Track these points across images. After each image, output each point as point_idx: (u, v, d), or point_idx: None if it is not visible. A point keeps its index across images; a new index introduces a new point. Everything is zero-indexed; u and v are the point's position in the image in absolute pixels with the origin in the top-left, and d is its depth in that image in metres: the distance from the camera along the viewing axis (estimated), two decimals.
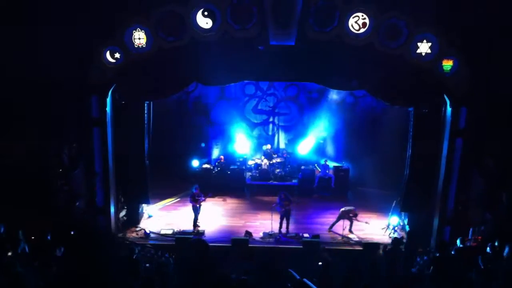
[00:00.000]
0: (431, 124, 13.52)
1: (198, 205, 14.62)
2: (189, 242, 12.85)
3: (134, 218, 15.16)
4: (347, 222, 14.47)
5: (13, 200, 11.37)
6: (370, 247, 13.25)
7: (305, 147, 19.47)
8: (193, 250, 11.21)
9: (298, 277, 7.78)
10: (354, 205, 15.09)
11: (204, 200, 14.92)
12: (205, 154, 19.09)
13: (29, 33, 12.16)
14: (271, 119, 19.88)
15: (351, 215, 14.47)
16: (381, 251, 12.73)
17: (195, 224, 14.61)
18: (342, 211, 14.49)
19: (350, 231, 14.48)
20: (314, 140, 19.44)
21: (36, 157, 12.19)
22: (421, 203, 14.11)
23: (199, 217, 14.77)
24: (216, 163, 18.37)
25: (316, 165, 18.72)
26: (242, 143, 19.51)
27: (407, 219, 14.66)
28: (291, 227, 14.60)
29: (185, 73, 13.44)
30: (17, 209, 11.05)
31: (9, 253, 8.94)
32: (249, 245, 13.49)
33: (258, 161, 18.77)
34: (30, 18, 12.23)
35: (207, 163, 18.56)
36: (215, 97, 19.30)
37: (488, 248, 9.92)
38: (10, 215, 10.52)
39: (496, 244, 9.90)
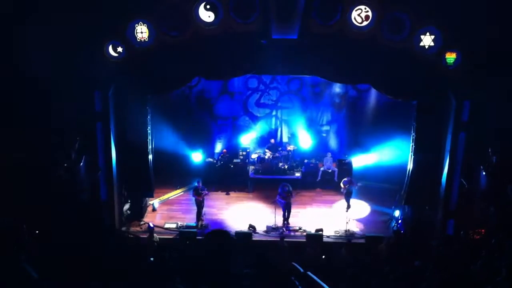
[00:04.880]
0: (434, 117, 13.51)
1: (201, 199, 14.65)
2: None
3: (138, 211, 15.21)
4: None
5: (17, 194, 11.40)
6: (373, 240, 13.26)
7: (307, 141, 19.44)
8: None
9: (302, 270, 7.81)
10: (357, 198, 15.17)
11: (207, 194, 14.95)
12: (208, 148, 19.08)
13: (31, 29, 12.12)
14: (274, 113, 19.83)
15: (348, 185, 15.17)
16: (384, 245, 12.74)
17: (199, 218, 14.65)
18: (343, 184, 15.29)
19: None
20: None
21: (39, 152, 12.21)
22: (424, 196, 14.12)
23: (203, 210, 14.82)
24: (219, 157, 18.38)
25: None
26: (245, 136, 19.52)
27: (410, 212, 14.67)
28: (294, 220, 14.63)
29: (188, 67, 13.43)
30: (21, 204, 11.09)
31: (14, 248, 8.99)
32: (253, 239, 13.54)
33: (262, 155, 18.75)
34: (31, 13, 12.20)
35: (210, 157, 18.57)
36: (218, 91, 19.23)
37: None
38: (14, 210, 10.57)
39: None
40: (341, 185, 15.57)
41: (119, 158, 14.13)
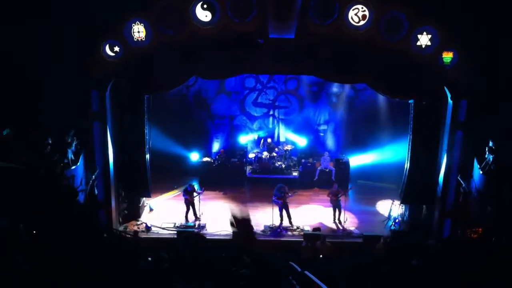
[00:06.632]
0: (431, 117, 13.55)
1: (191, 200, 14.68)
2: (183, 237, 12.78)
3: (135, 211, 15.20)
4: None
5: (14, 194, 11.35)
6: (371, 239, 13.25)
7: (304, 141, 19.46)
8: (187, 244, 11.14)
9: (299, 270, 7.79)
10: (355, 198, 15.15)
11: (200, 193, 14.96)
12: (206, 148, 19.08)
13: (29, 29, 12.08)
14: (271, 112, 19.84)
15: (339, 195, 14.66)
16: (381, 244, 12.74)
17: (196, 217, 14.75)
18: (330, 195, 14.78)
19: (339, 220, 14.77)
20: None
21: (36, 152, 12.17)
22: (421, 195, 14.14)
23: (199, 211, 14.87)
24: (217, 157, 18.37)
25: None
26: (242, 136, 19.54)
27: (407, 212, 14.69)
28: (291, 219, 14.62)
29: (185, 67, 13.41)
30: (18, 203, 11.04)
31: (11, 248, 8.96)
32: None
33: (259, 154, 18.74)
34: (29, 13, 12.16)
35: (208, 156, 18.56)
36: (215, 90, 19.23)
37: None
38: (11, 210, 10.51)
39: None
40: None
41: (116, 158, 14.10)
